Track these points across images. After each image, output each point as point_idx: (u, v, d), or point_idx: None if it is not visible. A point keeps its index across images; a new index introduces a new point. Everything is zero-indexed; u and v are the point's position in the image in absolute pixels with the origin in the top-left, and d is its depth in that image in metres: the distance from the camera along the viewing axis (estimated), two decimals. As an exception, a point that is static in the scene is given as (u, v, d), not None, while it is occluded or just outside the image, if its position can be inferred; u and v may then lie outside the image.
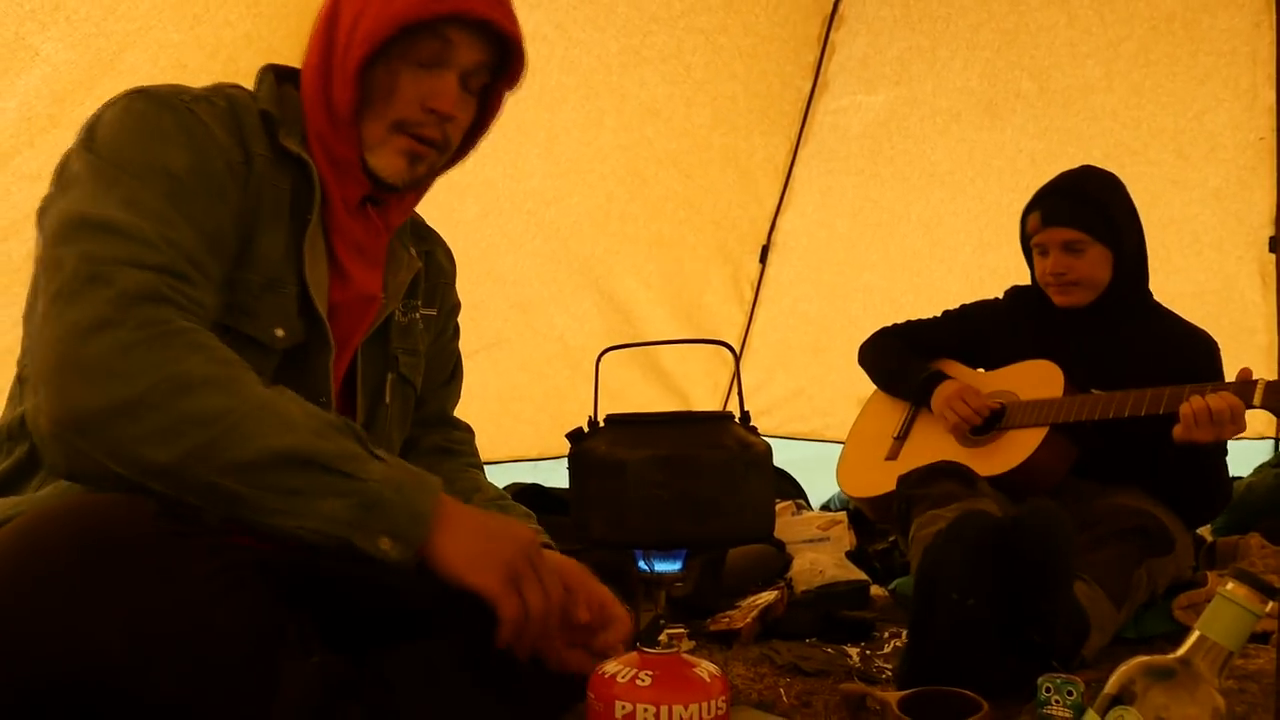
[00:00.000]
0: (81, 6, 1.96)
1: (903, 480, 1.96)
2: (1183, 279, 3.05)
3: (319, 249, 1.11)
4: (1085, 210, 2.04)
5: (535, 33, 2.67)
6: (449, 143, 1.14)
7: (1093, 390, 2.00)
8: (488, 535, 0.94)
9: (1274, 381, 1.72)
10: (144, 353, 0.86)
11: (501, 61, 1.14)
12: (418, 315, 1.28)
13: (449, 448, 1.37)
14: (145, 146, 0.97)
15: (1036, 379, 2.13)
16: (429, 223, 1.38)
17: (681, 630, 0.91)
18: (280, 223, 1.08)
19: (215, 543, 0.85)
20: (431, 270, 1.32)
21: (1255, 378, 1.77)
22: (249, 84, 1.15)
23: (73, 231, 0.91)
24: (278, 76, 1.14)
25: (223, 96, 1.07)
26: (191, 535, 0.83)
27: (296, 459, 0.86)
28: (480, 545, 0.92)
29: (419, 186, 1.18)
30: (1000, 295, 2.33)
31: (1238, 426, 1.74)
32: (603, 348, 1.00)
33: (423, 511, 0.90)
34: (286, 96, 1.13)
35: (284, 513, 0.86)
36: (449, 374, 1.40)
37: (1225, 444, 1.95)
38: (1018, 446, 2.04)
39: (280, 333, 1.06)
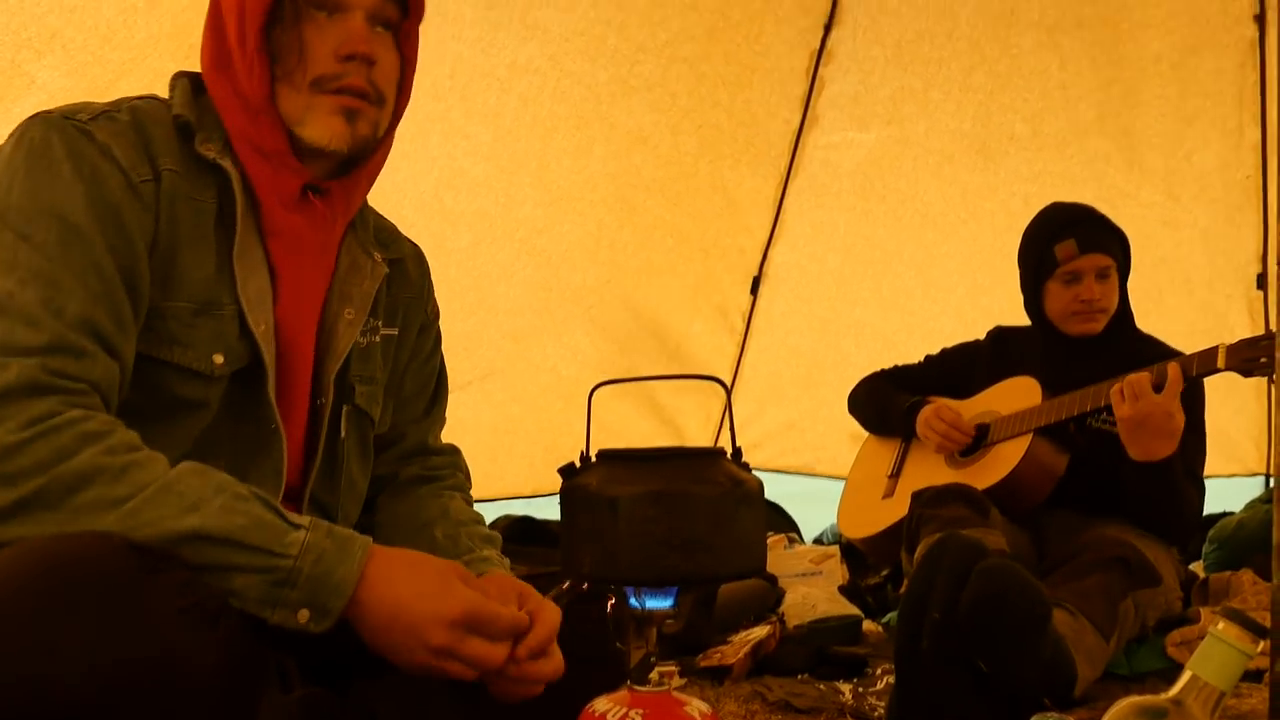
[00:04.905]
0: (78, 35, 1.97)
1: (916, 497, 1.96)
2: (1174, 318, 3.07)
3: (254, 261, 1.03)
4: (1113, 238, 2.09)
5: (529, 65, 2.71)
6: (380, 92, 1.04)
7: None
8: (399, 624, 0.89)
9: (1234, 344, 1.73)
10: (29, 453, 0.83)
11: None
12: (377, 338, 1.17)
13: (426, 475, 1.29)
14: (34, 187, 0.92)
15: (1015, 394, 2.15)
16: (424, 250, 1.29)
17: (673, 668, 0.90)
18: (205, 241, 1.01)
19: (188, 579, 0.82)
20: (395, 282, 1.20)
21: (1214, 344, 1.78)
22: None
23: None
24: (194, 83, 1.06)
25: (127, 110, 0.99)
26: (162, 571, 0.80)
27: (201, 538, 0.84)
28: (394, 637, 0.89)
29: (366, 156, 1.07)
30: (983, 337, 2.35)
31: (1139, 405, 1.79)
32: (595, 378, 0.99)
33: (343, 583, 0.87)
34: (205, 104, 1.04)
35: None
36: (430, 400, 1.30)
37: (1194, 467, 1.96)
38: (1004, 459, 2.06)
39: (219, 359, 1.00)
